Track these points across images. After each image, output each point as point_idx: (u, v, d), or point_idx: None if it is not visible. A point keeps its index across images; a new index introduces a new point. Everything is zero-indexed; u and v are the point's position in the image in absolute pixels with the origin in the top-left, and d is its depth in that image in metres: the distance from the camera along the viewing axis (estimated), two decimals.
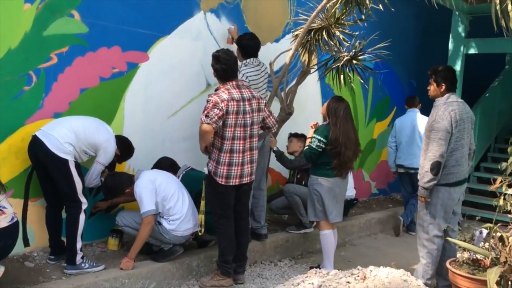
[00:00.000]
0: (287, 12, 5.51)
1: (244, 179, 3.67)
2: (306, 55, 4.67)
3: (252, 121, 3.65)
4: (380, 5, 3.92)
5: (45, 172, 3.53)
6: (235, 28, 4.80)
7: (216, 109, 3.47)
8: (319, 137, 4.01)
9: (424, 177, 3.63)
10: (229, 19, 4.95)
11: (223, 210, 3.71)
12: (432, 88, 3.77)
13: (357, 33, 4.60)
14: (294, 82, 5.06)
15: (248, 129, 3.63)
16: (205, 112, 3.49)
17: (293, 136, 5.15)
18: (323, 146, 3.99)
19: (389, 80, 7.06)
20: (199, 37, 4.72)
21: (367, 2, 3.90)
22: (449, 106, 3.64)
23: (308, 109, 5.84)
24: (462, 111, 3.69)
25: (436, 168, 3.56)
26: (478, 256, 3.47)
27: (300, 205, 4.85)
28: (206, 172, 3.70)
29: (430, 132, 3.64)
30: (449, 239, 3.64)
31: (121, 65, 4.16)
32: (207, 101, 3.55)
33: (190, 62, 4.68)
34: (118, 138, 3.87)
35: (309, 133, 4.23)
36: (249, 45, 4.42)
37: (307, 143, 4.15)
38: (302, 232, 4.92)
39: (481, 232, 3.76)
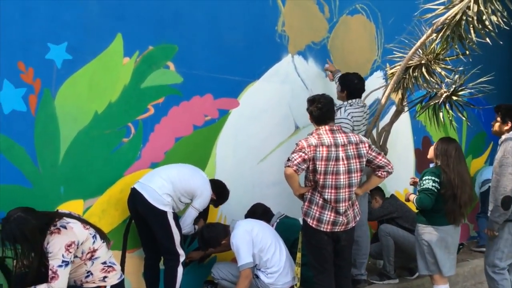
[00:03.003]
0: (375, 49, 5.32)
1: (337, 227, 3.38)
2: (400, 93, 4.45)
3: (347, 168, 3.32)
4: (488, 39, 3.61)
5: (144, 224, 3.52)
6: (329, 64, 4.82)
7: (300, 153, 3.27)
8: (432, 178, 3.66)
9: (495, 211, 3.65)
10: (316, 59, 4.84)
11: (321, 265, 3.42)
12: (497, 125, 3.86)
13: (460, 68, 4.30)
14: (385, 121, 4.81)
15: (343, 177, 3.31)
16: (290, 155, 3.33)
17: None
18: (438, 187, 3.65)
19: (484, 113, 6.55)
20: (286, 80, 4.64)
21: (472, 36, 3.61)
22: None
23: (399, 146, 5.52)
24: None
25: (507, 202, 3.57)
26: None
27: (391, 250, 4.50)
28: (301, 222, 3.51)
29: (499, 168, 3.65)
30: None
31: (213, 113, 4.15)
32: (296, 145, 3.39)
33: (278, 105, 4.59)
34: (212, 181, 3.83)
35: (408, 196, 3.95)
36: (356, 88, 4.33)
37: (410, 199, 3.86)
38: (386, 283, 4.50)
39: None
